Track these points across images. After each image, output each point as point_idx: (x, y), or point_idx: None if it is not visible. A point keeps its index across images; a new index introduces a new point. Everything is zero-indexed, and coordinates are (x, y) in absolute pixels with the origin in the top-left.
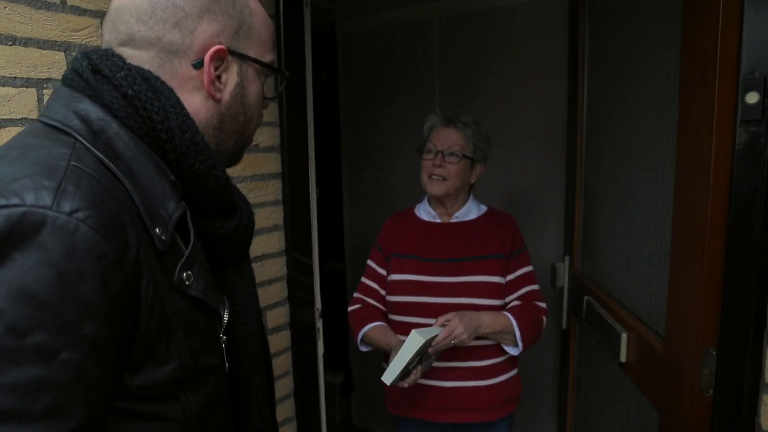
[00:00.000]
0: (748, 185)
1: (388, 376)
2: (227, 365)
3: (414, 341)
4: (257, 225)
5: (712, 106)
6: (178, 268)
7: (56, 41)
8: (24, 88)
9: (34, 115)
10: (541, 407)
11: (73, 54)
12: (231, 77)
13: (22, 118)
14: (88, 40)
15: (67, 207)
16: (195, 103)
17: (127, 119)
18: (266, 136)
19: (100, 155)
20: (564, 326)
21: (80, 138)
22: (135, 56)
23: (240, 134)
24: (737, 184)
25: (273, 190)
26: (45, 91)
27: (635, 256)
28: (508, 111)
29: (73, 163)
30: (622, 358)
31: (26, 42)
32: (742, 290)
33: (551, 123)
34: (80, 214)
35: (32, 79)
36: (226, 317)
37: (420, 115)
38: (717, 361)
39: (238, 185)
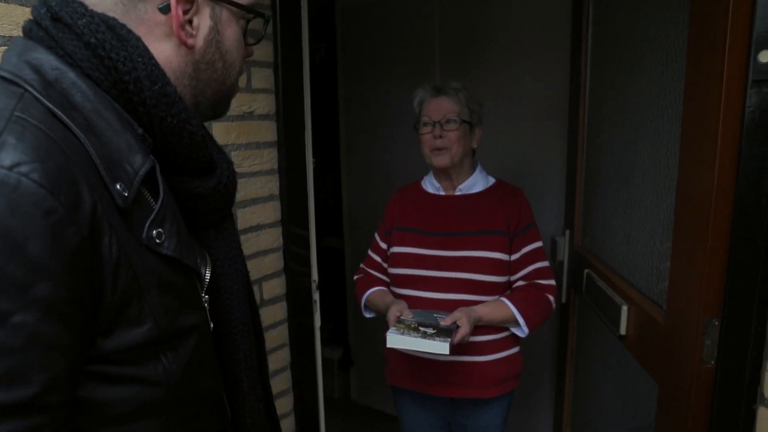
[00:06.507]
0: (759, 149)
1: (393, 341)
2: (212, 326)
3: (437, 348)
4: (253, 194)
5: (721, 68)
6: (147, 225)
7: None
8: (5, 48)
9: None
10: (539, 381)
11: None
12: (203, 21)
13: None
14: None
15: (7, 161)
16: (166, 51)
17: (92, 70)
18: (261, 103)
19: (51, 106)
20: (563, 301)
21: (30, 88)
22: (98, 3)
23: (220, 83)
24: (747, 148)
25: (268, 158)
26: None
27: (637, 229)
28: (509, 82)
29: (16, 113)
30: (622, 331)
31: None
32: (748, 257)
33: (553, 94)
34: (22, 168)
35: (15, 36)
36: (207, 275)
37: None
38: (720, 330)
39: (232, 153)
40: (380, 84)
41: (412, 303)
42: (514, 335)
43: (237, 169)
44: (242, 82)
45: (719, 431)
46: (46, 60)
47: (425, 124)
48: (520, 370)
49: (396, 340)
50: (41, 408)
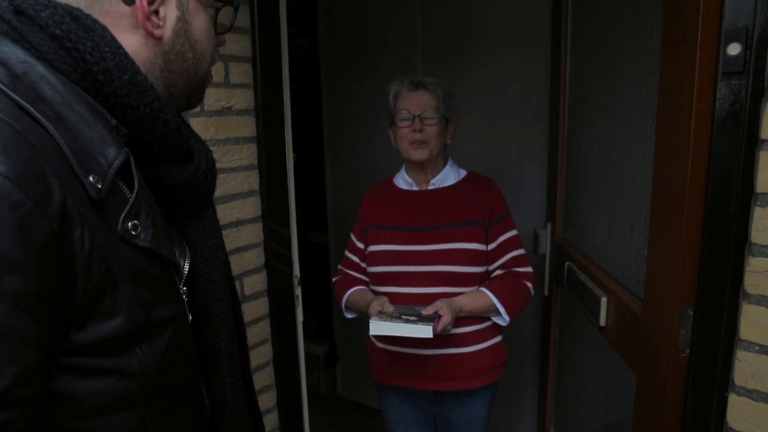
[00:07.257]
0: (729, 141)
1: (376, 328)
2: (190, 317)
3: (420, 332)
4: (232, 190)
5: (694, 61)
6: (122, 217)
7: None
8: None
9: None
10: (523, 373)
11: None
12: (170, 11)
13: None
14: None
15: None
16: (134, 42)
17: (60, 62)
18: (240, 98)
19: (19, 99)
20: (546, 293)
21: None
22: None
23: (192, 73)
24: (717, 140)
25: (248, 154)
26: None
27: (617, 221)
28: (491, 76)
29: None
30: (602, 322)
31: None
32: (720, 247)
33: (534, 89)
34: None
35: None
36: (186, 267)
37: None
38: (693, 320)
39: (211, 149)
40: (363, 79)
41: (393, 299)
42: (495, 324)
43: (216, 165)
44: (220, 76)
45: (693, 417)
46: (13, 53)
47: (404, 119)
48: (505, 359)
49: (379, 326)
50: (12, 402)
